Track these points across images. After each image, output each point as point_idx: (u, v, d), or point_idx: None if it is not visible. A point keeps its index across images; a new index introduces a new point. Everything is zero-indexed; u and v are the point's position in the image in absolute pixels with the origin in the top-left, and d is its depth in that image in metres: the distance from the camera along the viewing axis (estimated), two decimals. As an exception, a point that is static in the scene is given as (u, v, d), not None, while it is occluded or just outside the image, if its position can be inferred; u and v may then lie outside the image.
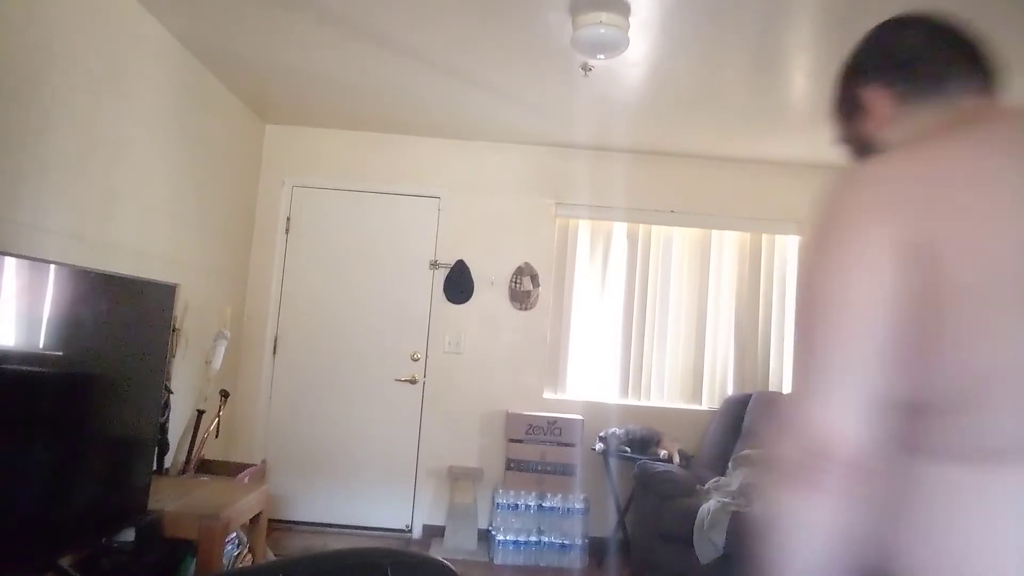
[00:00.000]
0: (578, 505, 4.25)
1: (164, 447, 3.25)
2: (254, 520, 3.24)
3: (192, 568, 2.73)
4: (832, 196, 0.89)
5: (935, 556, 0.78)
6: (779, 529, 0.83)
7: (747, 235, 4.81)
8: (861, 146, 1.06)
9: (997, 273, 0.78)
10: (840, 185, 0.88)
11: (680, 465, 4.14)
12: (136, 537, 2.57)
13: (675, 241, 4.83)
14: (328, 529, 4.54)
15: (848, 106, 1.06)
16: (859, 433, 0.79)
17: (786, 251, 4.82)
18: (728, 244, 4.83)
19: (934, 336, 0.79)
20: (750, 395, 4.46)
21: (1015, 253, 0.78)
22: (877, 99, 1.01)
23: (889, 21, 1.04)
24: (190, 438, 3.41)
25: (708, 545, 3.43)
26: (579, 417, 4.41)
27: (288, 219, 4.72)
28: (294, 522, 4.54)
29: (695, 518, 3.51)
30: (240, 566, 3.14)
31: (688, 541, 3.49)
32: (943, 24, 0.99)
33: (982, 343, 0.78)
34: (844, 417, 0.79)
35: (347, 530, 4.55)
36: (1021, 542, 0.76)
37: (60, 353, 2.14)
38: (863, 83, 1.03)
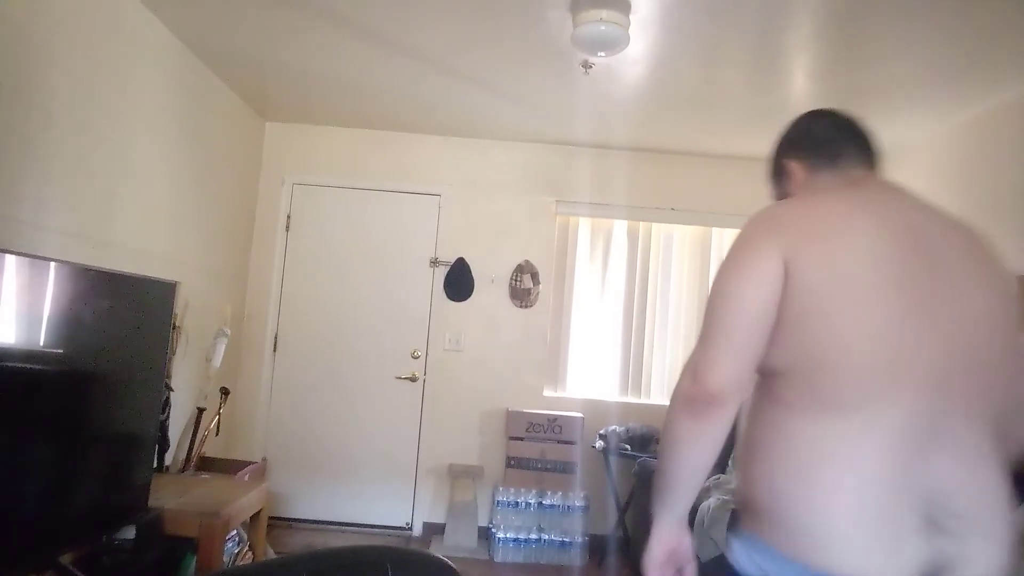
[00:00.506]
0: (578, 503, 4.25)
1: (164, 445, 3.26)
2: (254, 518, 3.24)
3: (192, 566, 2.73)
4: (745, 225, 1.26)
5: (798, 489, 1.06)
6: (675, 443, 1.17)
7: (747, 233, 4.81)
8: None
9: (839, 282, 1.09)
10: (751, 218, 1.26)
11: (680, 463, 4.14)
12: (136, 535, 2.57)
13: (675, 239, 4.83)
14: (328, 527, 4.55)
15: (778, 172, 1.47)
16: (733, 384, 1.12)
17: (786, 249, 4.82)
18: (728, 242, 4.82)
19: (794, 321, 1.11)
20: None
21: (854, 270, 1.10)
22: (796, 168, 1.41)
23: (807, 113, 1.46)
24: (190, 436, 3.41)
25: (708, 543, 3.43)
26: (579, 415, 4.41)
27: (288, 217, 4.72)
28: (294, 520, 4.54)
29: (695, 516, 3.51)
30: (240, 564, 3.14)
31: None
32: (843, 118, 1.40)
33: (823, 329, 1.09)
34: (725, 372, 1.12)
35: (347, 528, 4.56)
36: (852, 471, 1.04)
37: (61, 351, 2.14)
38: (787, 156, 1.44)
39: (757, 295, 1.12)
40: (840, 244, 1.12)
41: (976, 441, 1.08)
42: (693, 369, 1.15)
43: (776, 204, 1.31)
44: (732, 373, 1.12)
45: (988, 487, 1.07)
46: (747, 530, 1.10)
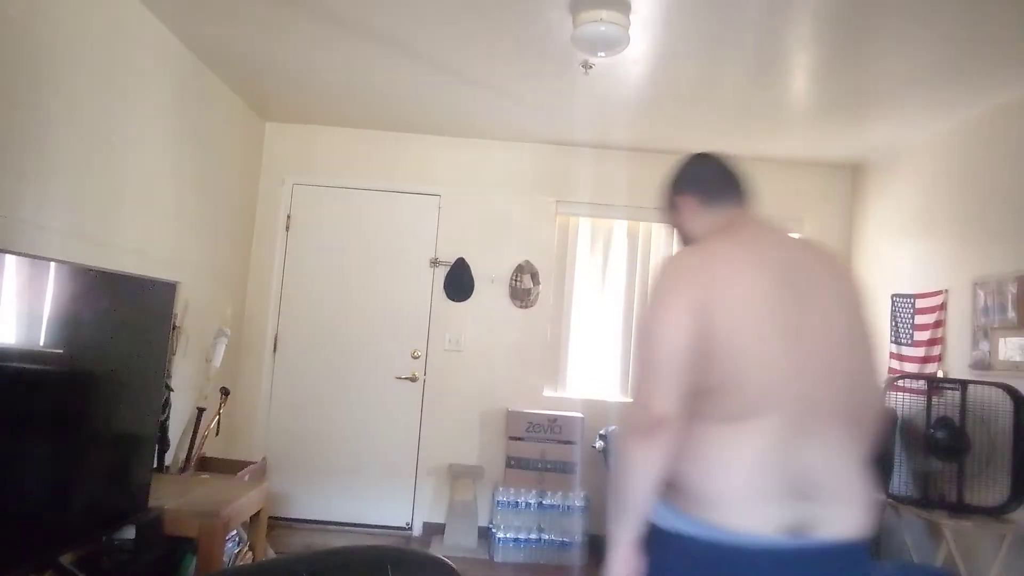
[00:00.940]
0: (578, 503, 4.25)
1: (165, 445, 3.26)
2: (254, 518, 3.24)
3: (192, 566, 2.73)
4: (661, 272, 1.50)
5: (701, 471, 1.39)
6: (633, 468, 1.40)
7: (747, 233, 4.80)
8: (679, 230, 1.76)
9: (742, 321, 1.40)
10: (665, 267, 1.52)
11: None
12: (136, 535, 2.57)
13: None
14: (328, 527, 4.54)
15: (671, 204, 1.75)
16: (673, 409, 1.38)
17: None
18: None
19: (707, 354, 1.38)
20: (750, 393, 4.46)
21: (747, 314, 1.40)
22: (688, 203, 1.70)
23: (696, 155, 1.75)
24: (190, 436, 3.41)
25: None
26: (579, 415, 4.41)
27: (288, 217, 4.72)
28: (294, 520, 4.54)
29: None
30: (240, 564, 3.14)
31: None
32: (725, 162, 1.71)
33: (731, 359, 1.38)
34: (665, 401, 1.37)
35: (347, 528, 4.55)
36: (740, 459, 1.37)
37: (61, 351, 2.14)
38: (680, 192, 1.72)
39: (683, 337, 1.39)
40: (738, 293, 1.42)
41: (836, 430, 1.41)
42: (642, 403, 1.40)
43: (684, 254, 1.55)
44: (673, 400, 1.38)
45: (845, 464, 1.40)
46: (668, 502, 1.43)
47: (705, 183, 1.69)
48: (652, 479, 1.39)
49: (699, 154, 1.76)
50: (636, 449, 1.39)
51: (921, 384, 3.42)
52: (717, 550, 1.36)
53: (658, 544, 1.45)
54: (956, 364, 3.56)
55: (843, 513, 1.38)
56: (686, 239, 1.74)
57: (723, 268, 1.46)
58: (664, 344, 1.40)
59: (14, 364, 1.96)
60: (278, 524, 4.42)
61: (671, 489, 1.42)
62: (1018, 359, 3.14)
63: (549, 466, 4.29)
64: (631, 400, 1.44)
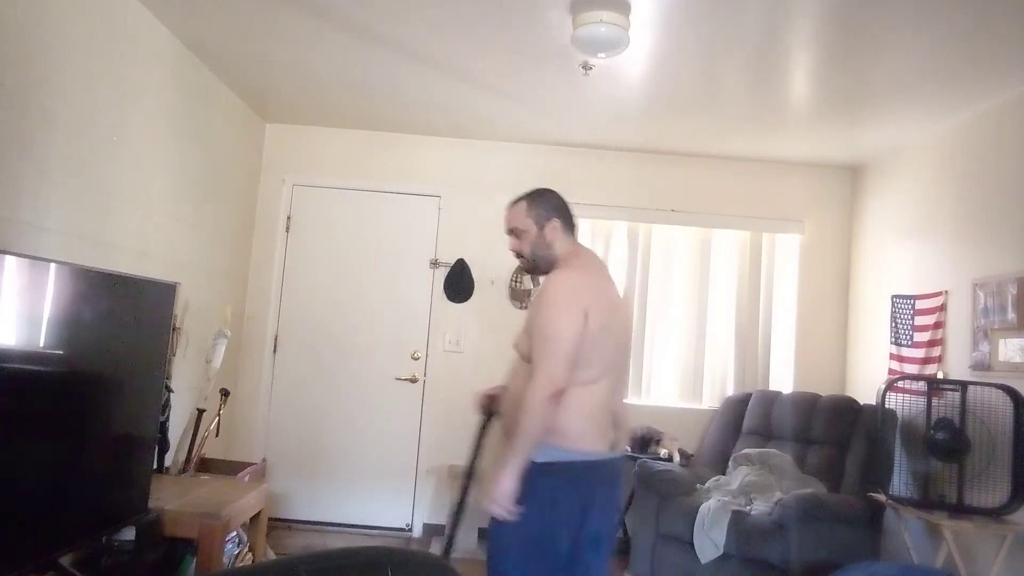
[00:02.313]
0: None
1: (164, 446, 3.25)
2: (254, 519, 3.24)
3: (192, 567, 2.73)
4: (560, 287, 2.13)
5: (569, 417, 2.05)
6: (538, 419, 1.99)
7: (747, 234, 4.80)
8: (542, 250, 2.25)
9: (603, 322, 2.07)
10: (562, 283, 2.15)
11: (680, 464, 4.14)
12: (136, 536, 2.57)
13: (675, 240, 4.83)
14: (328, 528, 4.54)
15: (541, 223, 2.24)
16: (565, 380, 2.00)
17: (787, 250, 4.82)
18: (728, 243, 4.83)
19: (583, 343, 2.03)
20: (750, 394, 4.46)
21: (607, 316, 2.10)
22: (555, 228, 2.24)
23: (547, 190, 2.31)
24: (190, 437, 3.41)
25: (708, 544, 3.43)
26: (579, 416, 4.40)
27: (288, 218, 4.72)
28: (294, 521, 4.54)
29: (695, 517, 3.51)
30: (240, 565, 3.14)
31: (688, 540, 3.49)
32: (561, 196, 2.31)
33: (595, 347, 2.06)
34: (563, 375, 2.00)
35: (347, 529, 4.55)
36: (595, 409, 2.11)
37: (61, 352, 2.14)
38: (551, 216, 2.24)
39: (577, 333, 2.02)
40: (602, 305, 2.12)
41: (624, 387, 2.39)
42: (550, 377, 1.99)
43: (572, 275, 2.16)
44: (566, 375, 2.01)
45: (626, 408, 2.37)
46: (545, 441, 2.03)
47: (565, 213, 2.26)
48: (544, 426, 2.00)
49: (548, 188, 2.32)
50: (543, 409, 1.99)
51: (921, 385, 3.42)
52: (580, 466, 2.08)
53: (542, 473, 2.04)
54: (956, 365, 3.56)
55: (624, 437, 2.50)
56: (547, 259, 2.24)
57: (595, 286, 2.17)
58: (566, 337, 2.01)
59: (14, 365, 1.96)
60: (278, 525, 4.42)
61: (550, 434, 2.03)
62: (1018, 360, 3.14)
63: (549, 467, 4.28)
64: (540, 374, 2.00)
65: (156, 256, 3.39)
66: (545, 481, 2.05)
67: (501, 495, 2.02)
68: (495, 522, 2.11)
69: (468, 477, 2.43)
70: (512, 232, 2.27)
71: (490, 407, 2.41)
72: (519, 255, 2.29)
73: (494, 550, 2.23)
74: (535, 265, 2.28)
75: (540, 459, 2.03)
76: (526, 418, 1.99)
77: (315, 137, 4.75)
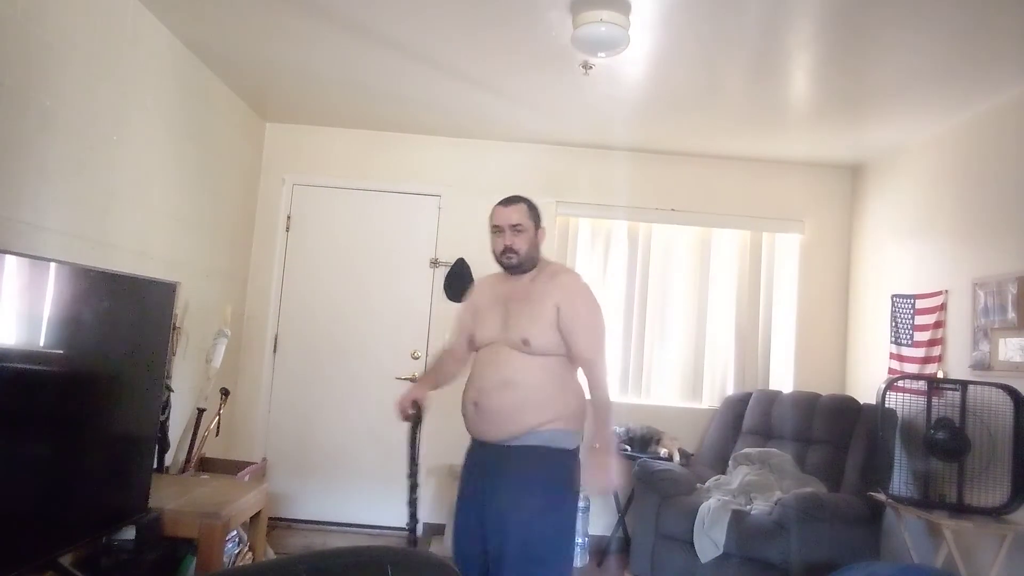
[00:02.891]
0: (579, 503, 4.24)
1: (164, 445, 3.25)
2: (254, 518, 3.24)
3: (192, 567, 2.73)
4: (584, 285, 2.42)
5: (581, 405, 2.36)
6: (611, 405, 2.34)
7: (747, 233, 4.80)
8: (533, 250, 2.45)
9: None
10: (582, 282, 2.43)
11: (680, 463, 4.14)
12: (136, 535, 2.57)
13: (676, 240, 4.83)
14: (328, 527, 4.54)
15: (536, 231, 2.45)
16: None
17: (787, 249, 4.82)
18: (728, 242, 4.83)
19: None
20: (750, 393, 4.46)
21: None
22: (543, 232, 2.48)
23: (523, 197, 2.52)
24: (190, 436, 3.41)
25: (708, 544, 3.43)
26: (579, 416, 4.40)
27: (288, 217, 4.72)
28: (294, 520, 4.54)
29: (695, 517, 3.51)
30: (240, 565, 3.14)
31: (688, 540, 3.49)
32: None
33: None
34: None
35: (347, 528, 4.55)
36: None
37: (61, 351, 2.14)
38: (540, 224, 2.47)
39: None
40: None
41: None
42: (606, 372, 2.36)
43: (576, 274, 2.52)
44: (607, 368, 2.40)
45: None
46: (570, 428, 2.32)
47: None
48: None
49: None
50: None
51: (921, 385, 3.42)
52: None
53: (574, 457, 2.27)
54: (956, 365, 3.56)
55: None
56: (532, 260, 2.44)
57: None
58: (606, 335, 2.40)
59: (14, 365, 1.96)
60: (278, 524, 4.42)
61: (574, 418, 2.28)
62: (1018, 360, 3.14)
63: (549, 466, 4.28)
64: (604, 364, 2.34)
65: (156, 256, 3.39)
66: (576, 465, 2.27)
67: (617, 474, 2.29)
68: (545, 515, 2.20)
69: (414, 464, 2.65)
70: (514, 227, 2.38)
71: (417, 413, 2.65)
72: (511, 250, 2.39)
73: (556, 542, 2.24)
74: (522, 263, 2.40)
75: (571, 445, 2.27)
76: (608, 407, 2.31)
77: (315, 137, 4.74)
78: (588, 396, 2.36)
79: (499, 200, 2.52)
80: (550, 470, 2.23)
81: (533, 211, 2.43)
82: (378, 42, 3.28)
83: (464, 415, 2.46)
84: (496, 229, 2.46)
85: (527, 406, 2.23)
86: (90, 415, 2.34)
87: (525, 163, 4.74)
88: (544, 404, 2.26)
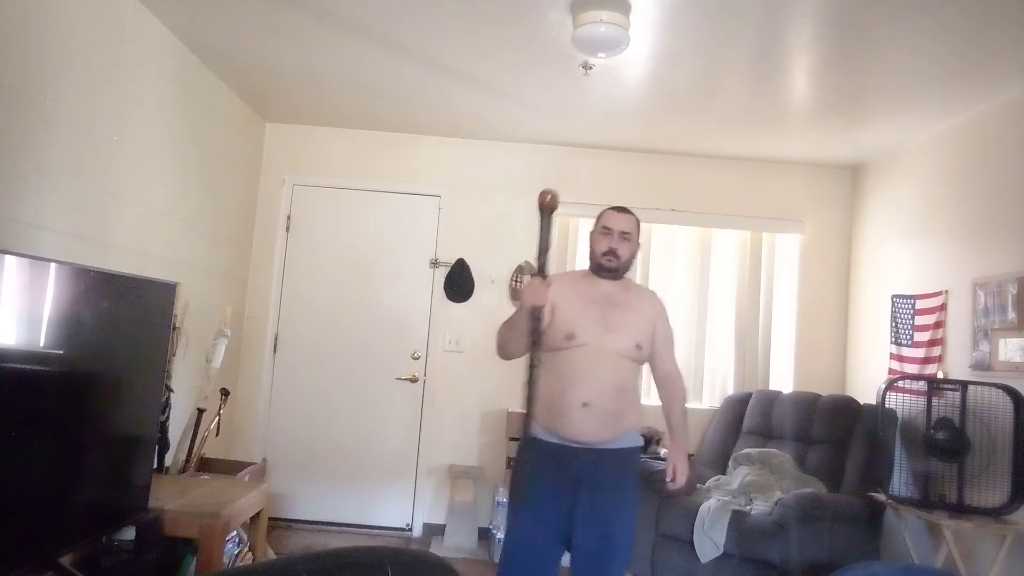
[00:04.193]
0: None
1: (164, 445, 3.25)
2: (254, 518, 3.24)
3: (192, 567, 2.73)
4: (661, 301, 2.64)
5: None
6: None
7: (747, 234, 4.80)
8: (631, 263, 2.61)
9: None
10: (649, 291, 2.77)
11: (680, 464, 4.14)
12: (136, 535, 2.57)
13: (675, 240, 4.82)
14: (328, 527, 4.54)
15: (637, 241, 2.61)
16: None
17: (786, 250, 4.81)
18: (728, 243, 4.82)
19: None
20: (750, 394, 4.46)
21: None
22: (639, 245, 2.60)
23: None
24: (190, 436, 3.41)
25: (708, 544, 3.43)
26: (579, 416, 4.40)
27: (288, 217, 4.72)
28: (294, 520, 4.54)
29: (695, 517, 3.51)
30: (240, 565, 3.14)
31: (688, 540, 3.49)
32: None
33: None
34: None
35: (347, 528, 4.55)
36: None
37: (61, 351, 2.14)
38: (639, 237, 2.61)
39: None
40: None
41: None
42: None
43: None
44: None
45: None
46: (633, 430, 2.53)
47: None
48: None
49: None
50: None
51: (921, 385, 3.42)
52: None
53: (639, 454, 2.57)
54: (956, 365, 3.56)
55: None
56: (628, 269, 2.59)
57: None
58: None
59: (14, 365, 1.96)
60: (278, 525, 4.42)
61: (637, 420, 2.56)
62: (1018, 360, 3.14)
63: (549, 467, 4.29)
64: (679, 372, 2.67)
65: (156, 256, 3.39)
66: (639, 461, 2.58)
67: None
68: (635, 508, 2.49)
69: None
70: (623, 234, 2.53)
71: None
72: (614, 254, 2.51)
73: (633, 532, 2.46)
74: (619, 268, 2.53)
75: (638, 444, 2.50)
76: (686, 411, 2.64)
77: (315, 137, 4.74)
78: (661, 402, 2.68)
79: (611, 206, 2.65)
80: (635, 467, 2.53)
81: (638, 227, 2.61)
82: (378, 42, 3.27)
83: (559, 414, 2.35)
84: (605, 231, 2.56)
85: (628, 409, 2.44)
86: (90, 415, 2.34)
87: (525, 163, 4.74)
88: (636, 407, 2.54)
